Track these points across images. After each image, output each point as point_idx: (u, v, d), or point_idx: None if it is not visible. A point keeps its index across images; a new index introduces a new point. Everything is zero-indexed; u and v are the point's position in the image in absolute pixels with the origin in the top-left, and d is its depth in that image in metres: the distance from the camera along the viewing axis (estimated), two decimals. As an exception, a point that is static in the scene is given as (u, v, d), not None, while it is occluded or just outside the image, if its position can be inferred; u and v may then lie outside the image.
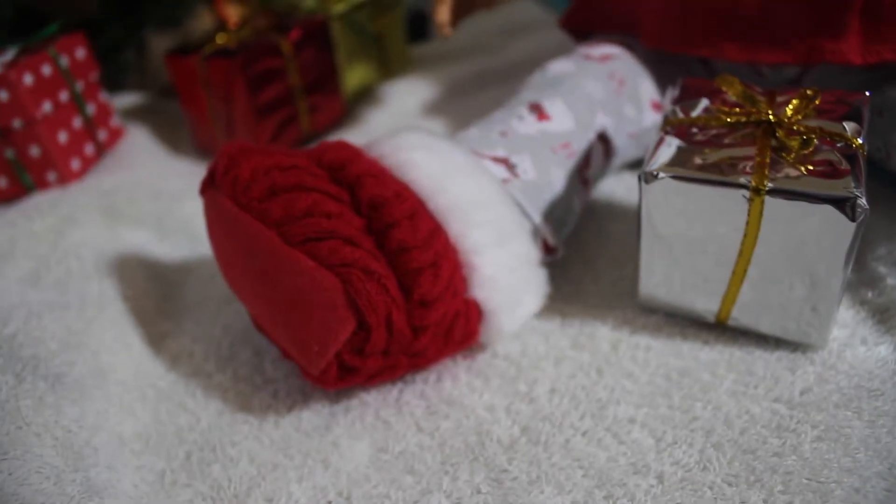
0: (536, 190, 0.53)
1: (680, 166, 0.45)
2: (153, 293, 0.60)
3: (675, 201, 0.45)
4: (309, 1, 0.89)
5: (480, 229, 0.46)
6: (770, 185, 0.42)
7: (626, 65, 0.64)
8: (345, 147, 0.48)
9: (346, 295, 0.41)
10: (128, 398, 0.50)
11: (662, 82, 0.65)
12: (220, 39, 0.77)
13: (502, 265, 0.47)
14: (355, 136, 0.83)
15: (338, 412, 0.48)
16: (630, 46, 0.66)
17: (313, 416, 0.48)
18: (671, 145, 0.47)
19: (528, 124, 0.56)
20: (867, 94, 0.50)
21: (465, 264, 0.46)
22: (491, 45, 1.03)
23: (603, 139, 0.59)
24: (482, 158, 0.52)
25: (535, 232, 0.52)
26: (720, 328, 0.51)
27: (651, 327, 0.52)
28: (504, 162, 0.53)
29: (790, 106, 0.47)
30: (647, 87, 0.64)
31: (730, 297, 0.48)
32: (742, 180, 0.43)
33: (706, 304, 0.49)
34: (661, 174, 0.45)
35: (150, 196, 0.71)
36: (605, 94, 0.60)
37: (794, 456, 0.42)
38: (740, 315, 0.49)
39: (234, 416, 0.49)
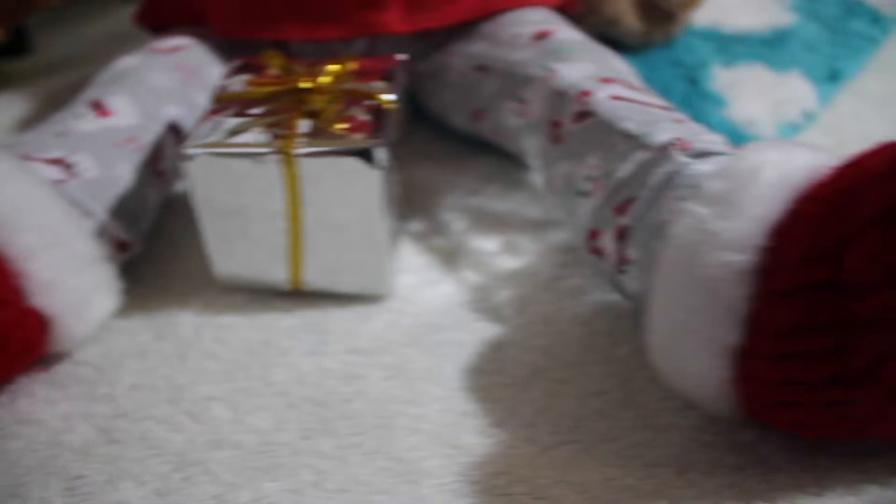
0: (101, 187, 0.51)
1: (214, 142, 0.45)
2: None
3: (216, 177, 0.46)
4: None
5: (28, 234, 0.44)
6: (298, 147, 0.44)
7: (196, 54, 0.64)
8: None
9: None
10: None
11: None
12: None
13: (61, 268, 0.45)
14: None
15: None
16: (205, 36, 0.66)
17: None
18: (209, 122, 0.47)
19: (88, 122, 0.54)
20: (401, 57, 0.54)
21: (16, 272, 0.43)
22: (95, 53, 0.97)
23: (175, 130, 0.58)
24: (34, 162, 0.50)
25: (103, 230, 0.50)
26: (300, 295, 0.53)
27: (234, 306, 0.52)
28: (60, 163, 0.51)
29: (327, 73, 0.50)
30: (219, 75, 0.64)
31: (295, 263, 0.50)
32: (271, 147, 0.44)
33: (277, 275, 0.51)
34: (196, 151, 0.45)
35: None
36: (173, 85, 0.60)
37: (362, 399, 0.45)
38: (311, 279, 0.51)
39: None
